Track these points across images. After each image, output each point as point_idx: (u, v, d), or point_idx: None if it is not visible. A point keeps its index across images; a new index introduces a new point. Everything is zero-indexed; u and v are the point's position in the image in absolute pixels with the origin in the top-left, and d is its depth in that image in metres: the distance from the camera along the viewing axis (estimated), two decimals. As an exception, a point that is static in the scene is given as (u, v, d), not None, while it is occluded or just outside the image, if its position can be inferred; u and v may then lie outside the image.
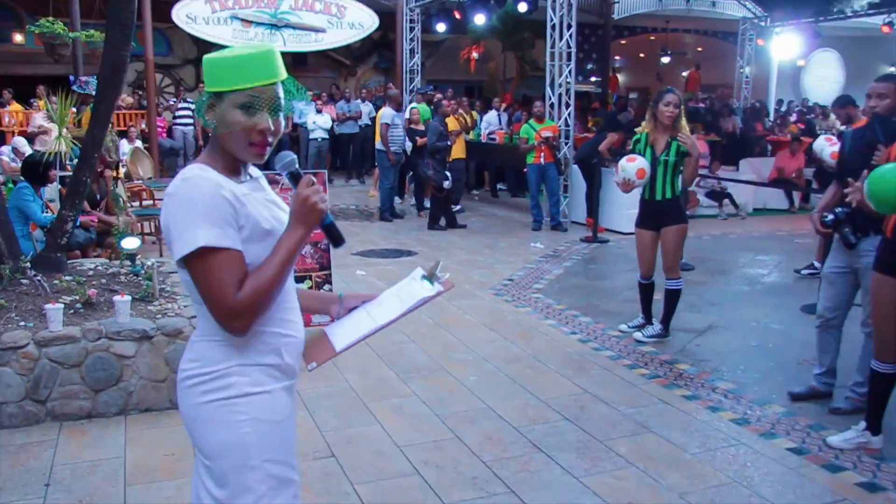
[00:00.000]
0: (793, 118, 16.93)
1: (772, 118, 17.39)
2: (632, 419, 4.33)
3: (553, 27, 10.40)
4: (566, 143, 10.58)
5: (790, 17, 16.86)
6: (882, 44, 18.42)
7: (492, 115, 13.94)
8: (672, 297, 5.58)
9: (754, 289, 7.40)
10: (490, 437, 4.08)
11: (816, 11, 16.10)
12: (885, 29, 13.80)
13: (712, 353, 5.47)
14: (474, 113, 13.99)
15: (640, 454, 3.90)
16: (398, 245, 9.24)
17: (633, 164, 5.37)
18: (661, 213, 5.47)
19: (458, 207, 11.30)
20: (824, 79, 20.92)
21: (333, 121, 15.31)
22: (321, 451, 3.94)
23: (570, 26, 10.39)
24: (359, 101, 16.15)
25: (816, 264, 7.36)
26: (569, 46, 10.45)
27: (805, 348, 5.47)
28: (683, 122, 5.43)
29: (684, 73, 24.95)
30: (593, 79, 20.89)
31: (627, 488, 3.57)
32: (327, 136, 14.75)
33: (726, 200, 11.63)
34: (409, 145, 11.11)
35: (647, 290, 5.78)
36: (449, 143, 10.16)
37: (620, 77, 25.36)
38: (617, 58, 24.33)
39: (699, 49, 23.80)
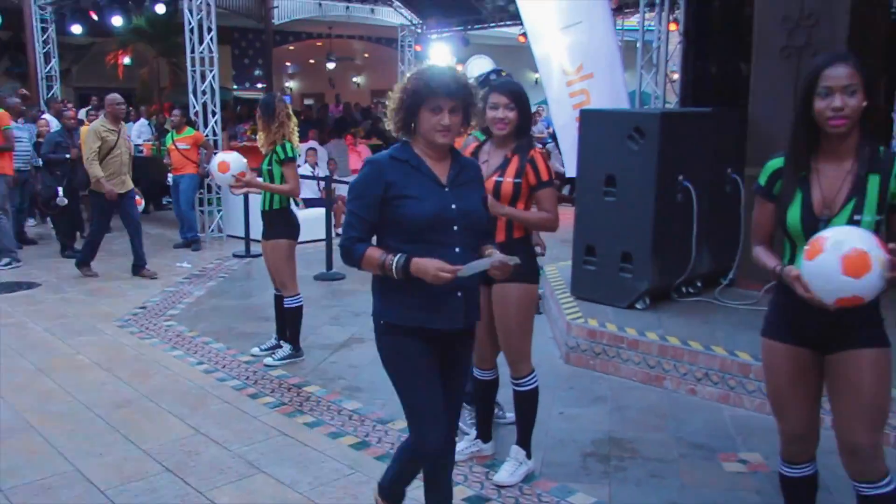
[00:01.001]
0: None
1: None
2: (244, 459, 3.90)
3: (192, 30, 9.73)
4: (216, 153, 9.94)
5: (443, 25, 17.63)
6: (524, 52, 20.02)
7: (141, 125, 12.87)
8: (291, 315, 5.27)
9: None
10: (67, 510, 3.44)
11: (464, 21, 17.00)
12: (521, 39, 14.85)
13: (346, 370, 5.24)
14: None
15: (244, 501, 3.50)
16: (19, 276, 8.02)
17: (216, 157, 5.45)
18: (265, 225, 5.22)
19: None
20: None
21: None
22: None
23: (210, 30, 9.79)
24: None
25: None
26: (210, 51, 9.84)
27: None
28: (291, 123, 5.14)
29: (355, 79, 25.37)
30: (260, 85, 20.35)
31: (219, 548, 3.14)
32: None
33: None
34: (39, 161, 9.78)
35: (278, 307, 5.43)
36: (68, 155, 8.99)
37: (294, 83, 25.14)
38: (288, 64, 24.06)
39: (366, 55, 24.28)
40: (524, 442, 3.69)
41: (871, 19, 5.67)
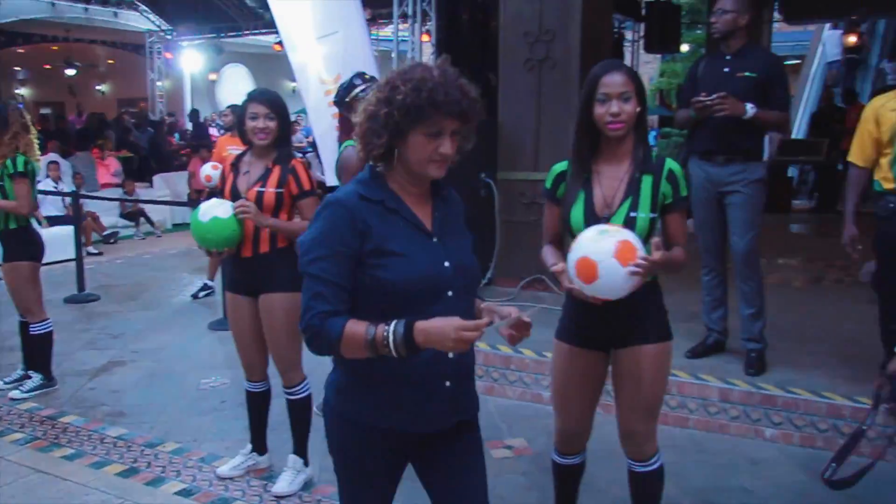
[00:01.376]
0: (211, 130, 17.17)
1: (187, 131, 17.45)
2: (-8, 503, 3.57)
3: None
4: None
5: (194, 32, 17.05)
6: (281, 61, 19.82)
7: None
8: (40, 343, 4.88)
9: (164, 312, 7.02)
10: None
11: (217, 28, 16.55)
12: (277, 47, 14.71)
13: (108, 395, 4.93)
14: None
15: (-5, 549, 3.20)
16: None
17: None
18: (3, 246, 4.79)
19: None
20: (236, 92, 21.71)
21: None
22: None
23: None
24: None
25: (209, 283, 7.35)
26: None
27: (208, 368, 5.33)
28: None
29: (99, 87, 23.78)
30: (-13, 92, 18.48)
31: None
32: None
33: (142, 219, 11.17)
34: None
35: (23, 334, 4.99)
36: None
37: (27, 90, 23.05)
38: (18, 68, 22.01)
39: (111, 61, 22.82)
40: (301, 450, 3.69)
41: (599, 35, 6.26)
